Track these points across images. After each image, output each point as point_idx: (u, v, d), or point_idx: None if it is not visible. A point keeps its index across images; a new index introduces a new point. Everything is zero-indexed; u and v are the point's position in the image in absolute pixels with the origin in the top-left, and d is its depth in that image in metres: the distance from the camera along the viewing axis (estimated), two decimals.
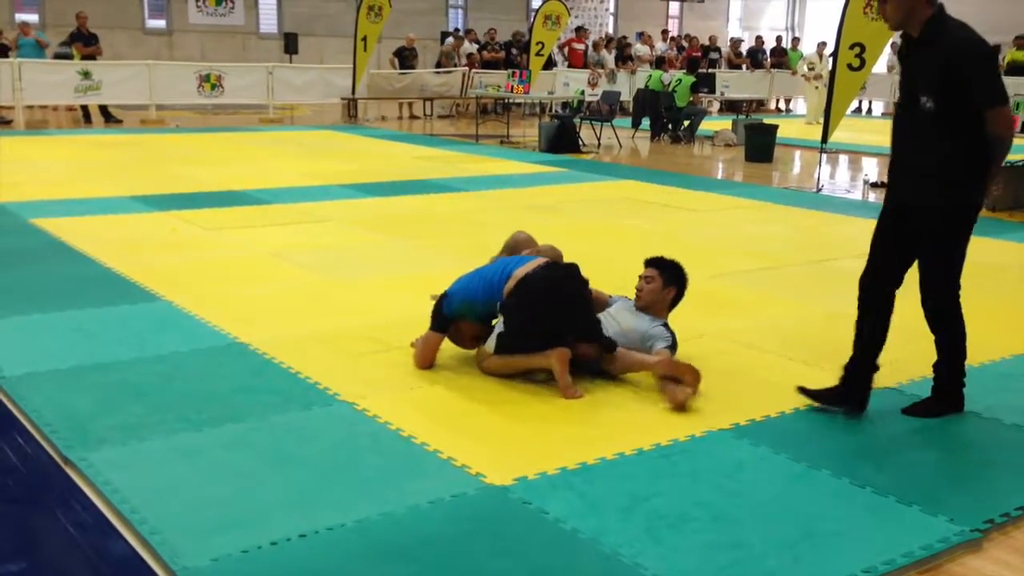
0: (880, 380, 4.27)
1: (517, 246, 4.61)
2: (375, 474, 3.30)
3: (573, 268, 4.28)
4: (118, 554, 2.79)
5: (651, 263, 4.51)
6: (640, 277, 4.47)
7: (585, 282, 4.25)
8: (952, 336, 3.89)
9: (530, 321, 4.11)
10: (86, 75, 15.66)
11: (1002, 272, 6.69)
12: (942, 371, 3.96)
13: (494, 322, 4.30)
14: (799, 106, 23.85)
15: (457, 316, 4.29)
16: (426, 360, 4.32)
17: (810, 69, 18.50)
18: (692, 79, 15.68)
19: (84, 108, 16.26)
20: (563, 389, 4.03)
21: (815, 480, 3.34)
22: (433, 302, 4.42)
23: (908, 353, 4.61)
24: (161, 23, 21.74)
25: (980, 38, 3.67)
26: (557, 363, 4.04)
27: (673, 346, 4.32)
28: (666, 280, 4.43)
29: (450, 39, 20.65)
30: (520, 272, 4.15)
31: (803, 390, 4.00)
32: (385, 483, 3.23)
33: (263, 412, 3.80)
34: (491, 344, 4.21)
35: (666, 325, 4.39)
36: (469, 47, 20.43)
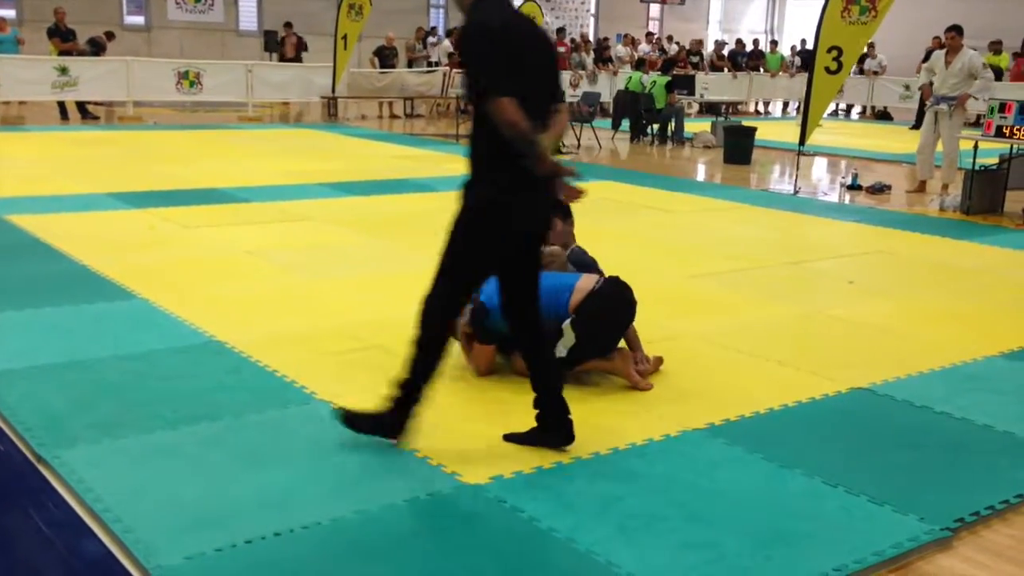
0: (852, 380, 4.33)
1: None
2: (351, 473, 3.30)
3: (626, 284, 4.38)
4: (91, 553, 2.78)
5: None
6: None
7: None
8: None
9: (607, 336, 4.26)
10: (63, 71, 15.54)
11: (974, 275, 6.77)
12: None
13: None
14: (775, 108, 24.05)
15: (501, 331, 4.20)
16: (487, 368, 4.31)
17: None
18: (667, 79, 15.73)
19: (61, 104, 16.13)
20: (635, 384, 4.18)
21: (788, 480, 3.37)
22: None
23: (882, 352, 4.66)
24: (140, 19, 21.57)
25: (484, 18, 3.15)
26: (623, 364, 4.22)
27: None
28: (562, 215, 4.59)
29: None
30: (584, 287, 4.20)
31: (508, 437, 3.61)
32: (361, 482, 3.23)
33: (239, 410, 3.80)
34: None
35: (583, 251, 4.67)
36: (448, 46, 20.39)
